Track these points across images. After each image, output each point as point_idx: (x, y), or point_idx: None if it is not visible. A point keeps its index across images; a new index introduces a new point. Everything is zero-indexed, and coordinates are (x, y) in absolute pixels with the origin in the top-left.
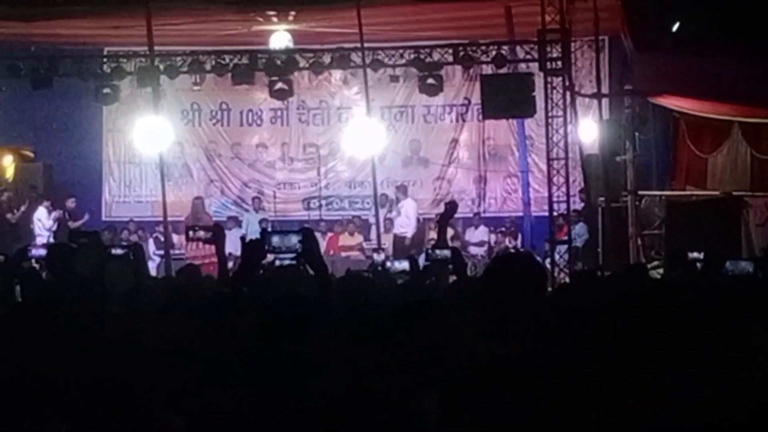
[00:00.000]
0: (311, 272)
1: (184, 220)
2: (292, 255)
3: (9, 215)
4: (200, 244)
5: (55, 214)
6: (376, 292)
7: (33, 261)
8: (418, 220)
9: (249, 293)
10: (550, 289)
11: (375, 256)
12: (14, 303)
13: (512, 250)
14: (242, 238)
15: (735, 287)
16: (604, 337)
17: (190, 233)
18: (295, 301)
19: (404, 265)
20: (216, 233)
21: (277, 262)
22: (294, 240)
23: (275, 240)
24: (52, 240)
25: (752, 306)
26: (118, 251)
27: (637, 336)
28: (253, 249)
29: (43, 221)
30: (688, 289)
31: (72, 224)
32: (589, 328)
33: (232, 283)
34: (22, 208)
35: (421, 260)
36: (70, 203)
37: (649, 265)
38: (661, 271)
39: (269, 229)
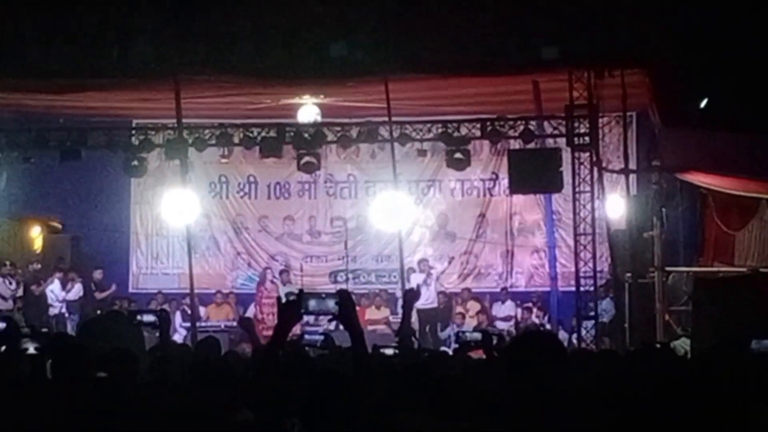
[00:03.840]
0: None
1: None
2: (329, 317)
3: (33, 287)
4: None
5: (70, 285)
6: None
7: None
8: (444, 293)
9: (284, 358)
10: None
11: None
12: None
13: (535, 328)
14: (278, 299)
15: (760, 367)
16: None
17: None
18: (331, 381)
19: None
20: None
21: (307, 337)
22: (330, 303)
23: (312, 303)
24: (65, 311)
25: None
26: (150, 318)
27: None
28: (288, 311)
29: (55, 292)
30: (713, 368)
31: (99, 295)
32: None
33: (268, 346)
34: (43, 286)
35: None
36: (97, 275)
37: (675, 342)
38: (686, 346)
39: (306, 291)
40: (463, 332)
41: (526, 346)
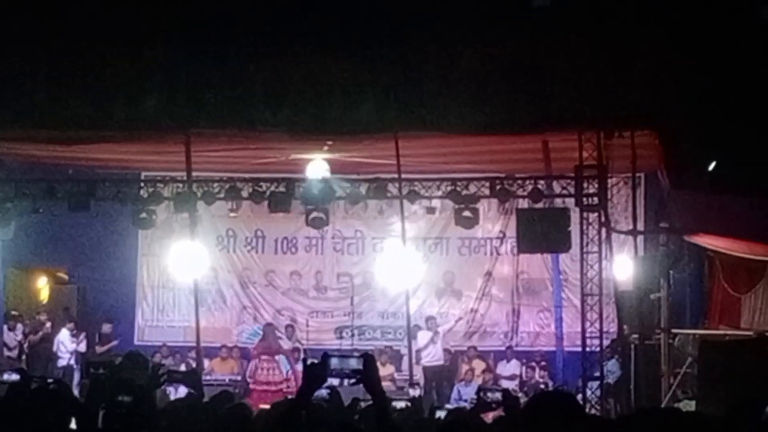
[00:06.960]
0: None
1: (254, 346)
2: (352, 380)
3: (31, 337)
4: (272, 370)
5: (81, 336)
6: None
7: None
8: (449, 351)
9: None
10: None
11: (411, 391)
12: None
13: (550, 389)
14: (304, 361)
15: None
16: None
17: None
18: None
19: None
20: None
21: (323, 392)
22: (353, 363)
23: (334, 362)
24: (73, 362)
25: None
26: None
27: None
28: (314, 373)
29: (65, 344)
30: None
31: (99, 349)
32: None
33: (291, 407)
34: (40, 333)
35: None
36: (106, 328)
37: (678, 404)
38: (691, 407)
39: (329, 353)
40: (484, 392)
41: (545, 406)
